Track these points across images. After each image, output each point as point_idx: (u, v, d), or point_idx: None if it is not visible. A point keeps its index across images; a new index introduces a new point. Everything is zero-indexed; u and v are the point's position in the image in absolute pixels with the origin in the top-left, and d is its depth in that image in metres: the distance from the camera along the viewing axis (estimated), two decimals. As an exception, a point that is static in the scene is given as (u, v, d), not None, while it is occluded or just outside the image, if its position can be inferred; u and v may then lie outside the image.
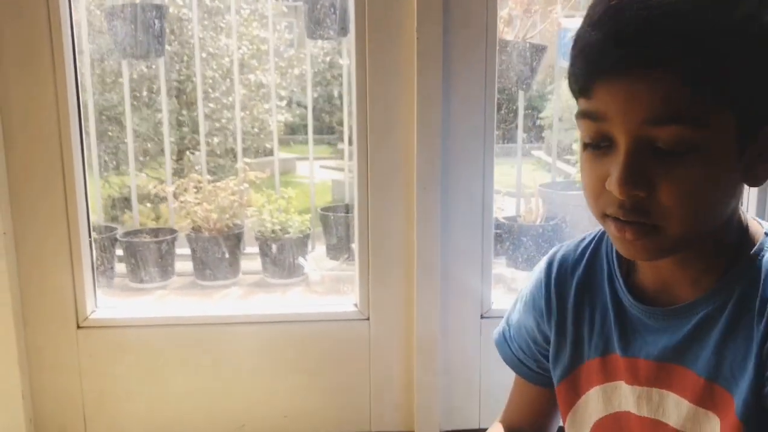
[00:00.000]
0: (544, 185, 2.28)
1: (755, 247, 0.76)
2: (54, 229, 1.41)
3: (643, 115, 0.66)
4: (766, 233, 0.77)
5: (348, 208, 2.36)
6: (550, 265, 0.92)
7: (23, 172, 1.39)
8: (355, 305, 1.53)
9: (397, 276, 1.49)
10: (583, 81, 0.69)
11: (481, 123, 1.47)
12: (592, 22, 0.68)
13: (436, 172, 1.44)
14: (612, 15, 0.67)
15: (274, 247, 2.20)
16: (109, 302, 1.55)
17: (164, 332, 1.49)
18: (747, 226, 0.78)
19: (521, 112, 2.24)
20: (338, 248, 2.28)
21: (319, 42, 3.02)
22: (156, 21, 2.03)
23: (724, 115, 0.66)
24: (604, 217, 0.73)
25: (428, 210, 1.45)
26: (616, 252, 0.84)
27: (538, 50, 2.14)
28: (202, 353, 1.50)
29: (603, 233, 0.88)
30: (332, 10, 2.15)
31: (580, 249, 0.90)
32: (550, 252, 0.94)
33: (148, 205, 2.68)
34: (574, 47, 0.71)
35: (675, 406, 0.79)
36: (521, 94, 2.20)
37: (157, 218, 2.70)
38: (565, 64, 2.39)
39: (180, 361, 1.50)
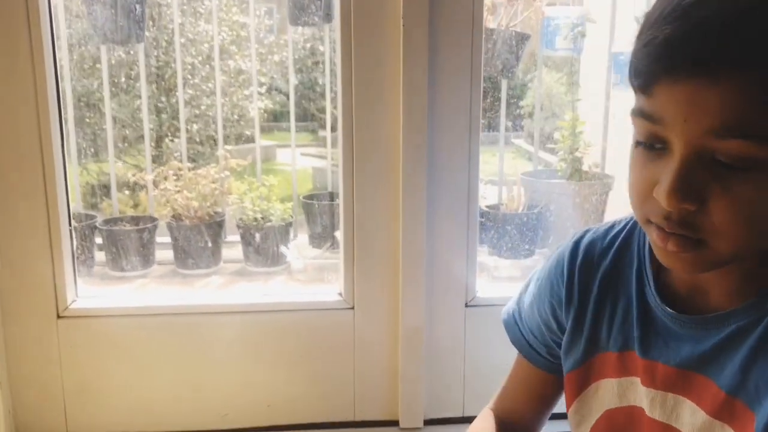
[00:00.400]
0: (526, 174, 2.29)
1: None
2: (34, 218, 1.38)
3: (707, 125, 0.59)
4: None
5: (331, 196, 2.35)
6: (575, 250, 0.86)
7: (1, 161, 1.36)
8: (340, 294, 1.52)
9: (382, 265, 1.49)
10: (645, 77, 0.63)
11: (467, 111, 1.46)
12: (665, 13, 0.61)
13: (421, 161, 1.44)
14: (689, 7, 0.59)
15: (255, 235, 2.18)
16: (89, 291, 1.52)
17: (146, 322, 1.48)
18: None
19: (504, 101, 2.24)
20: (321, 236, 2.27)
21: (300, 28, 2.99)
22: (137, 6, 1.99)
23: None
24: (647, 223, 0.68)
25: (413, 199, 1.45)
26: (649, 247, 0.78)
27: (522, 39, 2.14)
28: (184, 343, 1.49)
29: (635, 222, 0.82)
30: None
31: (609, 237, 0.85)
32: (576, 235, 0.88)
33: (127, 192, 2.65)
34: (639, 38, 0.64)
35: (690, 415, 0.76)
36: (504, 82, 2.20)
37: (136, 206, 2.67)
38: (547, 52, 2.40)
39: (162, 350, 1.49)
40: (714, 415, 0.73)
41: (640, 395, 0.80)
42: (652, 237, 0.68)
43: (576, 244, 0.87)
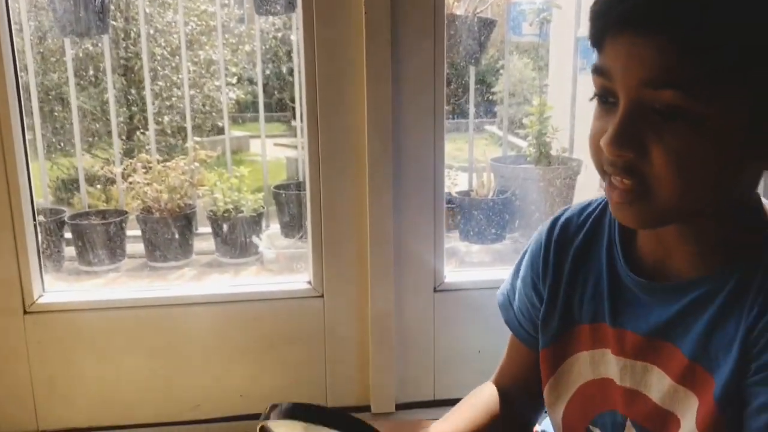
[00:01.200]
0: (496, 159, 2.30)
1: (765, 235, 0.73)
2: (-4, 212, 1.37)
3: (642, 76, 0.65)
4: None
5: (301, 186, 2.35)
6: (552, 227, 0.91)
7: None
8: (309, 283, 1.53)
9: (350, 252, 1.50)
10: (594, 35, 0.70)
11: (431, 98, 1.47)
12: None
13: (386, 148, 1.44)
14: None
15: (226, 226, 2.18)
16: (59, 287, 1.51)
17: (115, 315, 1.47)
18: (762, 215, 0.75)
19: (472, 87, 2.25)
20: (292, 226, 2.27)
21: (270, 18, 2.98)
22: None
23: (735, 92, 0.64)
24: (603, 174, 0.73)
25: (380, 186, 1.45)
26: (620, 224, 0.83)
27: (488, 24, 2.15)
28: (154, 335, 1.49)
29: (605, 203, 0.87)
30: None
31: (584, 214, 0.90)
32: (556, 214, 0.94)
33: (98, 186, 2.62)
34: (594, 4, 0.71)
35: (657, 381, 0.79)
36: (471, 69, 2.21)
37: (108, 200, 2.65)
38: (514, 38, 2.41)
39: (131, 344, 1.48)
40: (678, 381, 0.77)
41: (611, 365, 0.83)
42: (605, 188, 0.73)
43: (554, 222, 0.92)
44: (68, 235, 2.17)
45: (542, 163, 2.22)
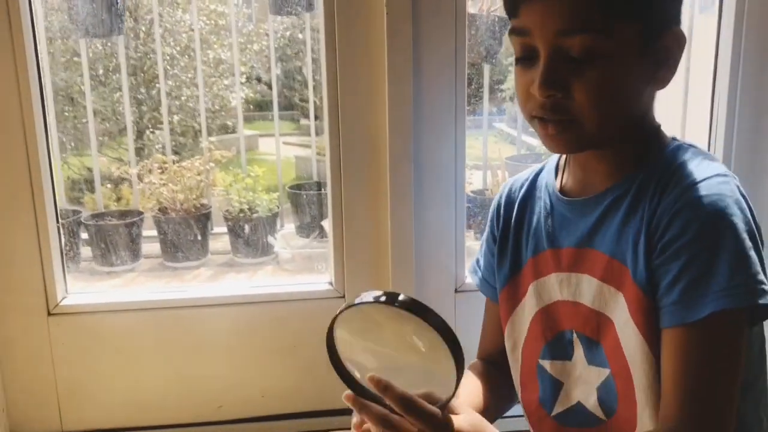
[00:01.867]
0: (510, 158, 2.30)
1: (661, 146, 0.88)
2: (20, 215, 1.37)
3: (557, 27, 0.79)
4: (673, 138, 0.90)
5: (318, 186, 2.35)
6: (502, 190, 1.06)
7: (-13, 159, 1.35)
8: (330, 284, 1.53)
9: (371, 253, 1.50)
10: (510, 4, 0.83)
11: (452, 97, 1.46)
12: None
13: (407, 149, 1.44)
14: None
15: (243, 226, 2.18)
16: (76, 287, 1.52)
17: (137, 317, 1.48)
18: (658, 131, 0.90)
19: (486, 86, 2.25)
20: (308, 226, 2.27)
21: (279, 17, 2.98)
22: (114, -1, 1.97)
23: (628, 26, 0.79)
24: (532, 119, 0.85)
25: (401, 187, 1.45)
26: (555, 166, 0.98)
27: (504, 23, 2.14)
28: (176, 336, 1.49)
29: (548, 161, 1.01)
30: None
31: (529, 171, 1.04)
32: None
33: (109, 186, 2.63)
34: None
35: (588, 286, 0.89)
36: (486, 67, 2.21)
37: (119, 199, 2.65)
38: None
39: (154, 345, 1.49)
40: (601, 279, 0.88)
41: (554, 285, 0.94)
42: (537, 130, 0.86)
43: (505, 185, 1.07)
44: (84, 235, 2.18)
45: (558, 161, 2.21)
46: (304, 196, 2.30)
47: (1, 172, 1.36)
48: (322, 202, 2.23)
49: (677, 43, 0.84)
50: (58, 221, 1.43)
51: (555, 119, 0.82)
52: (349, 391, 0.80)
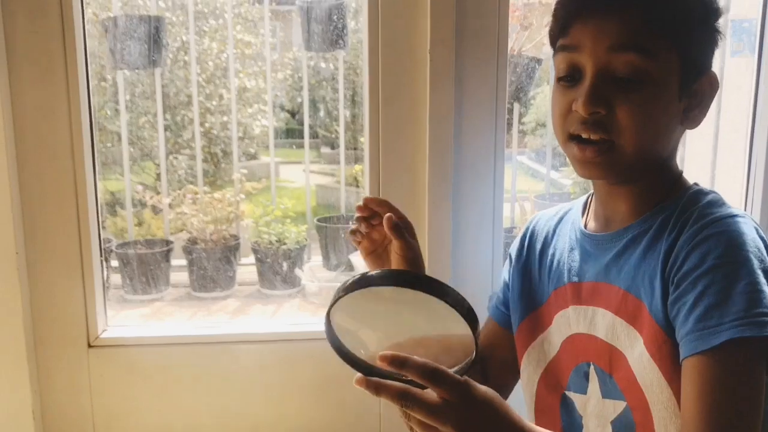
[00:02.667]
0: (539, 196, 2.31)
1: (683, 189, 0.90)
2: (66, 248, 1.39)
3: (607, 43, 0.83)
4: (694, 183, 0.92)
5: (345, 219, 2.36)
6: (530, 222, 1.08)
7: (37, 191, 1.37)
8: (366, 321, 1.53)
9: (409, 292, 1.50)
10: (565, 20, 0.87)
11: (492, 137, 1.48)
12: None
13: (447, 188, 1.46)
14: None
15: (271, 258, 2.19)
16: (118, 320, 1.53)
17: (174, 350, 1.48)
18: (680, 175, 0.93)
19: (516, 123, 2.27)
20: (335, 259, 2.28)
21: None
22: (155, 32, 2.00)
23: (671, 56, 0.84)
24: (568, 139, 0.88)
25: (439, 226, 1.46)
26: (584, 204, 1.01)
27: (534, 62, 2.17)
28: (212, 372, 1.50)
29: (578, 200, 1.04)
30: (332, 26, 2.16)
31: (558, 208, 1.07)
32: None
33: (132, 210, 2.65)
34: (558, 1, 0.89)
35: (602, 319, 0.91)
36: (516, 105, 2.23)
37: (140, 224, 2.67)
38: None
39: (190, 379, 1.49)
40: (616, 312, 0.89)
41: (571, 319, 0.95)
42: (574, 152, 0.87)
43: (532, 219, 1.09)
44: (113, 262, 2.19)
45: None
46: (332, 229, 2.31)
47: (51, 205, 1.38)
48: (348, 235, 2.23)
49: (711, 86, 0.88)
50: (101, 255, 1.45)
51: (594, 139, 0.85)
52: (359, 374, 0.76)
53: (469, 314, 0.73)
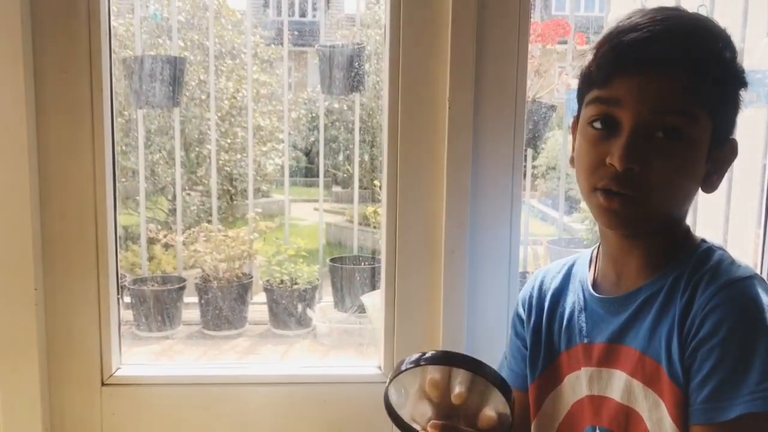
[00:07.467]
0: (552, 241, 2.32)
1: (692, 246, 0.91)
2: (84, 285, 1.40)
3: (652, 105, 0.83)
4: (702, 240, 0.93)
5: (359, 259, 2.37)
6: (534, 281, 1.09)
7: (58, 227, 1.37)
8: (379, 368, 1.53)
9: (423, 338, 1.49)
10: (606, 71, 0.85)
11: (509, 184, 1.48)
12: (624, 27, 0.86)
13: (463, 236, 1.46)
14: (646, 24, 0.84)
15: (282, 297, 2.19)
16: (132, 359, 1.53)
17: (188, 391, 1.48)
18: (688, 231, 0.94)
19: (529, 169, 2.28)
20: (347, 300, 2.28)
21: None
22: (180, 74, 2.04)
23: (706, 118, 0.84)
24: (593, 191, 0.88)
25: (455, 273, 1.46)
26: (589, 259, 1.01)
27: (548, 109, 2.19)
28: (222, 412, 1.49)
29: (581, 254, 1.05)
30: (352, 72, 2.19)
31: (560, 266, 1.07)
32: (535, 272, 1.11)
33: (137, 246, 2.66)
34: (601, 46, 0.87)
35: (618, 381, 0.91)
36: (530, 151, 2.25)
37: (150, 258, 2.68)
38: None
39: (202, 420, 1.48)
40: (633, 375, 0.89)
41: (583, 380, 0.96)
42: (599, 202, 0.87)
43: (534, 277, 1.10)
44: (126, 299, 2.20)
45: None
46: (346, 269, 2.31)
47: (71, 242, 1.38)
48: (362, 276, 2.24)
49: (732, 153, 0.91)
50: (118, 293, 1.45)
51: (623, 193, 0.84)
52: None
53: (503, 386, 0.85)
